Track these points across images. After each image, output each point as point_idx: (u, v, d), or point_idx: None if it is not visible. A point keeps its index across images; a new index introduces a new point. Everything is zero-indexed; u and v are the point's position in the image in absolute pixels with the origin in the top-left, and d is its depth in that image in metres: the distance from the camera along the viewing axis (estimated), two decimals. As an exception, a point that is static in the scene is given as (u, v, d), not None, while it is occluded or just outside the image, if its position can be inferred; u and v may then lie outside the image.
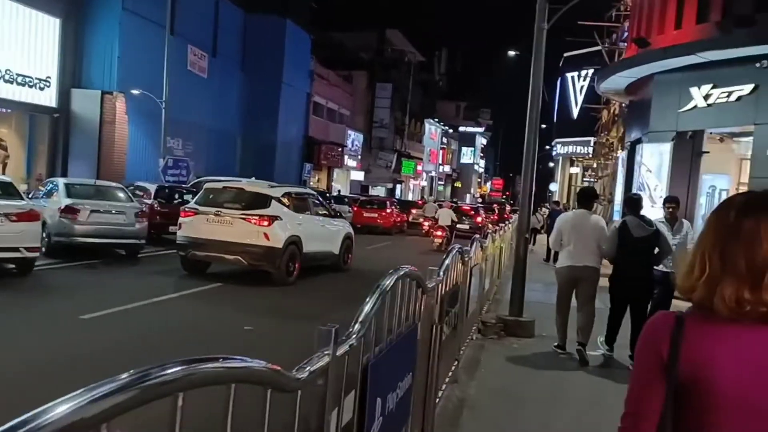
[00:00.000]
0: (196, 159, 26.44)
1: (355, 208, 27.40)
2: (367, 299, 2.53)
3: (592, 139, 33.47)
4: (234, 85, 31.06)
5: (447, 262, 4.56)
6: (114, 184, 14.61)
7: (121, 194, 13.54)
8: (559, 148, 40.57)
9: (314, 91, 37.65)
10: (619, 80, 15.08)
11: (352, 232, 14.53)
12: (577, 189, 37.28)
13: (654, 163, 13.50)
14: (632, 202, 7.33)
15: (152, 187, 16.44)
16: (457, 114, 76.22)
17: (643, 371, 1.48)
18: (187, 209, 11.73)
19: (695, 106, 12.46)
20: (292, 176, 34.10)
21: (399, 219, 29.29)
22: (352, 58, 46.06)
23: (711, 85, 11.97)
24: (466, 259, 5.85)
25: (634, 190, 14.14)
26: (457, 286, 5.42)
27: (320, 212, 13.34)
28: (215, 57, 29.01)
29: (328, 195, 27.84)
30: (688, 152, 13.12)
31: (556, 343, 7.46)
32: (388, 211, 28.12)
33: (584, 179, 38.92)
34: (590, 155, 34.65)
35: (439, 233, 20.45)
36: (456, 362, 5.85)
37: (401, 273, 3.04)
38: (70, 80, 22.10)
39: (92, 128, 22.04)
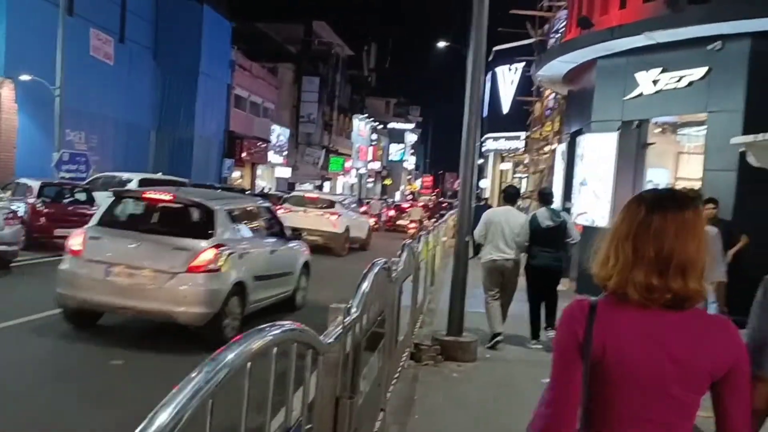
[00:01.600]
0: (102, 154, 23.94)
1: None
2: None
3: (523, 134, 32.79)
4: (146, 74, 28.44)
5: (363, 286, 3.08)
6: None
7: (-10, 193, 11.41)
8: (490, 144, 39.88)
9: (236, 83, 35.26)
10: (559, 66, 13.99)
11: (371, 224, 22.38)
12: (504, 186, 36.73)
13: (597, 155, 12.45)
14: (543, 196, 7.97)
15: (36, 184, 14.21)
16: (387, 111, 75.14)
17: (563, 353, 1.62)
18: (282, 208, 17.42)
19: (642, 93, 11.45)
20: (212, 173, 31.78)
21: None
22: (277, 49, 43.87)
23: (660, 69, 10.96)
24: (393, 275, 4.40)
25: (575, 184, 13.12)
26: (382, 314, 3.97)
27: (355, 211, 20.73)
28: (123, 43, 26.37)
29: (247, 192, 25.66)
30: (634, 143, 12.13)
31: (494, 333, 7.41)
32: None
33: (515, 175, 38.40)
34: (522, 150, 34.01)
35: (412, 225, 26.68)
36: (382, 412, 4.40)
37: (268, 337, 1.55)
38: (-54, 64, 19.34)
39: (-26, 118, 19.39)
